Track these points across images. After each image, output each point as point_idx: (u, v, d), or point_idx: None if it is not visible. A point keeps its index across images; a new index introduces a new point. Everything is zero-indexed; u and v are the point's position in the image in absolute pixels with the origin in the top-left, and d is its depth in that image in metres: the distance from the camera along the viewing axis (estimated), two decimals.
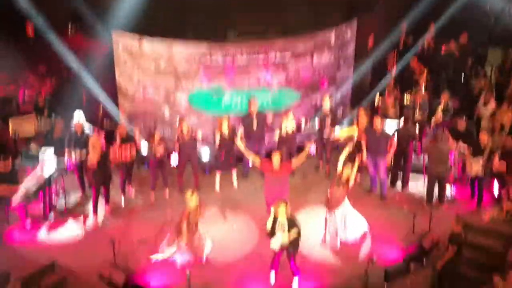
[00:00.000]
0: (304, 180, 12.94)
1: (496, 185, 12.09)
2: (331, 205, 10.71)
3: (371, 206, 11.77)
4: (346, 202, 10.77)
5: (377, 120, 11.97)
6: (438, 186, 11.93)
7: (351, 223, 10.88)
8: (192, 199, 9.96)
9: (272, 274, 10.02)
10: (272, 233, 9.57)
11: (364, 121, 12.38)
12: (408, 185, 12.84)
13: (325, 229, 10.94)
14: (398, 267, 10.28)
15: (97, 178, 11.37)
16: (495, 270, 9.86)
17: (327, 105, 12.70)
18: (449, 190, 12.38)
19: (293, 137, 12.71)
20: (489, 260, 10.86)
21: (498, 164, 11.40)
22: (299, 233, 9.59)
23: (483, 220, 11.51)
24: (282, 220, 9.48)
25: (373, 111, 14.13)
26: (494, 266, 10.45)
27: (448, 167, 11.97)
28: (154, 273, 10.19)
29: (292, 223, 9.54)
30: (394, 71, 15.28)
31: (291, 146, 12.78)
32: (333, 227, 10.81)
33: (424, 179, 12.61)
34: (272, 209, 9.58)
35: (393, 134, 12.27)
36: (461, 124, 12.54)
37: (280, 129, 12.60)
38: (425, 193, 12.20)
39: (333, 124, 12.75)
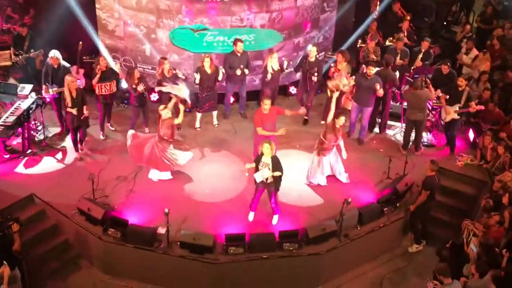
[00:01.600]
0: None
1: (471, 132, 12.32)
2: (324, 150, 10.87)
3: (348, 149, 11.87)
4: (335, 150, 11.04)
5: (370, 68, 11.88)
6: (415, 132, 12.11)
7: (336, 168, 11.17)
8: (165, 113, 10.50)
9: (251, 214, 10.29)
10: (256, 169, 9.79)
11: (342, 66, 12.40)
12: (385, 130, 13.00)
13: (309, 171, 11.15)
14: (372, 209, 10.54)
15: (73, 120, 11.27)
16: (467, 214, 10.18)
17: (313, 55, 12.57)
18: (425, 136, 12.58)
19: (277, 76, 12.71)
20: (461, 205, 11.19)
21: (475, 108, 11.60)
22: (281, 172, 9.81)
23: (457, 166, 11.78)
24: (267, 159, 9.68)
25: (356, 56, 14.17)
26: (466, 211, 10.78)
27: (426, 114, 12.12)
28: (133, 209, 10.32)
29: (275, 162, 9.76)
30: (376, 15, 15.21)
31: (275, 85, 12.81)
32: (321, 169, 11.04)
33: (402, 125, 12.79)
34: (259, 148, 9.76)
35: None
36: (445, 69, 12.65)
37: (266, 68, 12.55)
38: (402, 138, 12.39)
39: (318, 74, 12.67)
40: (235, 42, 12.38)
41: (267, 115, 10.82)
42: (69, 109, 11.12)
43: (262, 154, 9.74)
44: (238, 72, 12.35)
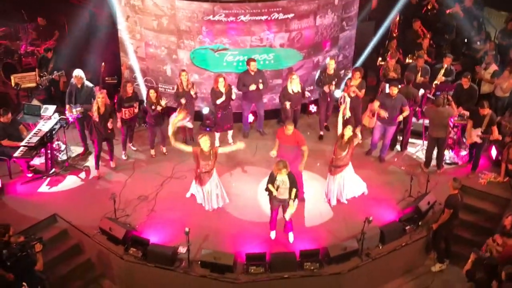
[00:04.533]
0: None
1: (493, 150, 12.19)
2: (335, 167, 10.82)
3: (369, 168, 11.88)
4: (349, 166, 10.92)
5: (393, 88, 11.81)
6: (437, 149, 12.01)
7: (350, 186, 11.07)
8: (204, 142, 10.25)
9: (273, 233, 10.30)
10: (270, 189, 9.79)
11: (356, 81, 12.43)
12: (406, 148, 12.92)
13: (327, 190, 11.09)
14: (394, 228, 10.45)
15: (99, 133, 11.46)
16: (489, 233, 10.03)
17: (331, 67, 12.64)
18: (448, 154, 12.48)
19: (298, 99, 12.72)
20: (484, 223, 11.04)
21: (496, 136, 11.49)
22: (297, 189, 9.81)
23: (480, 184, 11.65)
24: (284, 177, 9.66)
25: (377, 74, 14.17)
26: (489, 229, 10.63)
27: (448, 132, 12.03)
28: (154, 229, 10.36)
29: (292, 181, 9.72)
30: (397, 33, 15.21)
31: (296, 107, 12.85)
32: (334, 188, 10.97)
33: (423, 143, 12.71)
34: (274, 167, 9.73)
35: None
36: (465, 81, 12.57)
37: (286, 89, 12.56)
38: (424, 156, 12.30)
39: (337, 86, 12.71)
40: (248, 62, 12.46)
41: (288, 137, 10.76)
42: (94, 118, 11.30)
43: (277, 173, 9.68)
44: (252, 87, 12.38)
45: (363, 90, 12.58)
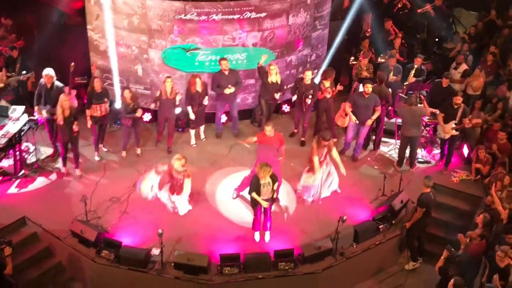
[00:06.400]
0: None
1: (465, 148, 12.31)
2: (315, 166, 10.81)
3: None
4: (330, 163, 11.01)
5: (367, 86, 11.86)
6: (410, 148, 12.08)
7: (328, 182, 11.13)
8: (177, 162, 10.26)
9: (257, 234, 10.26)
10: (256, 192, 9.76)
11: (328, 83, 12.47)
12: (379, 147, 12.96)
13: (303, 189, 11.09)
14: (368, 227, 10.47)
15: (64, 136, 11.25)
16: (462, 231, 10.11)
17: (308, 78, 12.50)
18: (420, 153, 12.55)
19: (273, 90, 12.71)
20: (458, 221, 11.14)
21: (469, 124, 11.64)
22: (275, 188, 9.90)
23: (452, 182, 11.75)
24: (267, 180, 9.70)
25: (349, 74, 14.21)
26: (462, 227, 10.73)
27: (421, 130, 12.10)
28: (126, 231, 10.22)
29: (274, 180, 9.79)
30: (369, 33, 15.26)
31: (271, 100, 12.89)
32: (315, 185, 10.99)
33: (396, 142, 12.77)
34: (259, 172, 9.70)
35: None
36: (445, 82, 12.72)
37: (266, 78, 12.57)
38: (397, 155, 12.35)
39: (314, 97, 12.64)
40: (219, 61, 12.39)
41: (270, 138, 10.72)
42: (59, 121, 11.06)
43: (260, 177, 9.67)
44: (227, 91, 12.32)
45: (334, 88, 12.63)
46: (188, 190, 10.62)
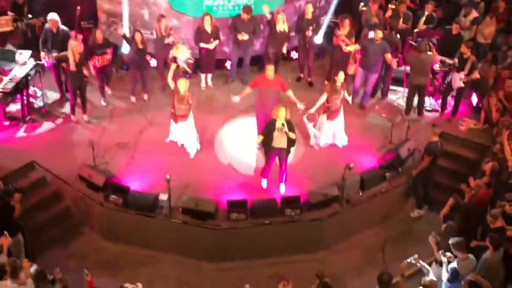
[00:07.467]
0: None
1: (474, 97, 12.21)
2: (331, 112, 10.80)
3: (350, 114, 11.76)
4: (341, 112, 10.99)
5: (378, 32, 11.69)
6: (418, 96, 11.99)
7: (339, 133, 11.15)
8: (182, 84, 10.17)
9: (264, 181, 10.26)
10: (267, 135, 9.66)
11: (345, 31, 12.25)
12: (387, 95, 12.86)
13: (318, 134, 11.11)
14: (374, 175, 10.49)
15: (75, 82, 11.19)
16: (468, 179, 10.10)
17: (309, 12, 12.40)
18: (428, 101, 12.47)
19: (282, 39, 12.52)
20: (464, 169, 11.13)
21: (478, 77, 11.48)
22: (295, 137, 9.82)
23: (460, 131, 11.70)
24: (282, 122, 9.56)
25: (359, 20, 13.95)
26: (468, 175, 10.71)
27: (429, 78, 11.98)
28: (134, 176, 10.27)
29: (290, 125, 9.67)
30: None
31: (279, 48, 12.67)
32: (329, 132, 11.02)
33: (404, 90, 12.67)
34: (274, 113, 9.61)
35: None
36: (456, 28, 12.49)
37: (274, 28, 12.35)
38: (404, 103, 12.27)
39: (315, 31, 12.52)
40: (244, 8, 12.18)
41: (270, 81, 10.58)
42: (72, 68, 10.98)
43: (275, 119, 9.58)
44: (240, 37, 12.19)
45: (353, 39, 12.40)
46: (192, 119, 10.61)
